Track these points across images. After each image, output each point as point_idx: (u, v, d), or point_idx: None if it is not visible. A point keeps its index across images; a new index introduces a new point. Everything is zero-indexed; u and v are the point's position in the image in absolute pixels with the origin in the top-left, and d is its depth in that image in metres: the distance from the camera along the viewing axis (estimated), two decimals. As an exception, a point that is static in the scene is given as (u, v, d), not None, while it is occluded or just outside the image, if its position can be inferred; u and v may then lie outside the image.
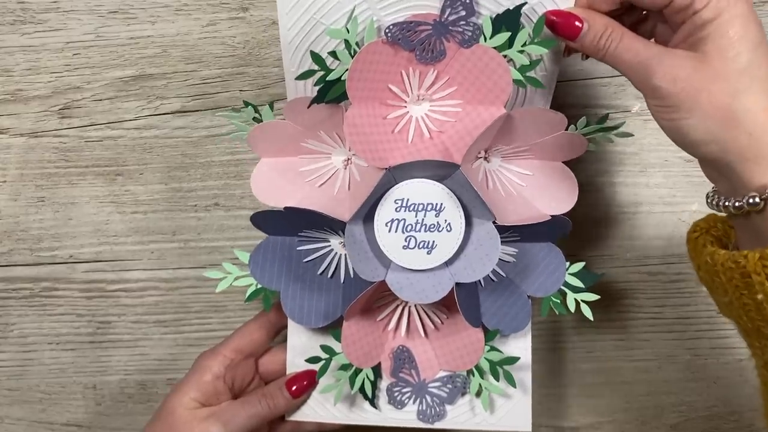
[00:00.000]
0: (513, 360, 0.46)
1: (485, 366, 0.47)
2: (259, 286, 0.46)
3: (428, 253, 0.43)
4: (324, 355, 0.47)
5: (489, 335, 0.47)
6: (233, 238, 0.57)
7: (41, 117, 0.56)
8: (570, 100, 0.55)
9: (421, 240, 0.43)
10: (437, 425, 0.48)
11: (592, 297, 0.47)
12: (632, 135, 0.45)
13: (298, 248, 0.47)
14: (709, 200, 0.37)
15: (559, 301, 0.47)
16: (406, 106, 0.42)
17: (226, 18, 0.55)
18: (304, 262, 0.47)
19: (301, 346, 0.48)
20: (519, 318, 0.46)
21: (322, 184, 0.46)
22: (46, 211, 0.57)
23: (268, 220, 0.45)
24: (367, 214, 0.43)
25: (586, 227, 0.55)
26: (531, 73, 0.40)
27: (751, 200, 0.34)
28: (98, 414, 0.58)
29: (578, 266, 0.47)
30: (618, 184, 0.55)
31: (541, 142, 0.44)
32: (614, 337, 0.56)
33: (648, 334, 0.56)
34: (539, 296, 0.47)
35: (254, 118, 0.45)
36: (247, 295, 0.46)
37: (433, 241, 0.42)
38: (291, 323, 0.48)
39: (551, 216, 0.44)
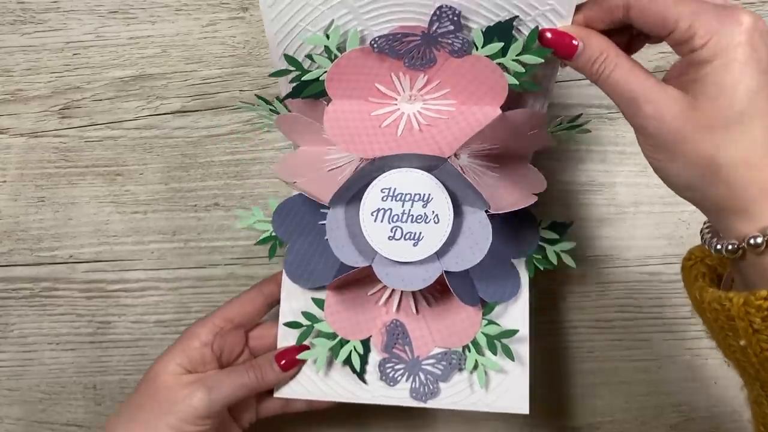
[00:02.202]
0: (511, 333, 0.45)
1: (482, 341, 0.46)
2: (273, 234, 0.47)
3: (414, 244, 0.42)
4: (305, 322, 0.46)
5: (487, 308, 0.46)
6: (233, 238, 0.57)
7: (41, 117, 0.56)
8: (570, 100, 0.55)
9: (407, 231, 0.42)
10: (430, 404, 0.46)
11: (570, 245, 0.47)
12: (590, 131, 0.45)
13: (321, 210, 0.46)
14: (701, 234, 0.36)
15: (541, 257, 0.47)
16: (396, 104, 0.42)
17: (226, 18, 0.55)
18: (318, 224, 0.46)
19: (292, 320, 0.47)
20: (509, 285, 0.46)
21: (332, 169, 0.45)
22: (46, 211, 0.57)
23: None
24: (355, 199, 0.43)
25: (586, 227, 0.55)
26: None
27: (730, 246, 0.33)
28: (98, 414, 0.58)
29: (546, 222, 0.47)
30: (618, 184, 0.55)
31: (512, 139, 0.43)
32: (614, 337, 0.56)
33: (648, 334, 0.56)
34: (522, 258, 0.46)
35: (271, 110, 0.44)
36: (259, 239, 0.47)
37: (420, 233, 0.42)
38: (284, 297, 0.48)
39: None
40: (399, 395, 0.46)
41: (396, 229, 0.42)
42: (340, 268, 0.46)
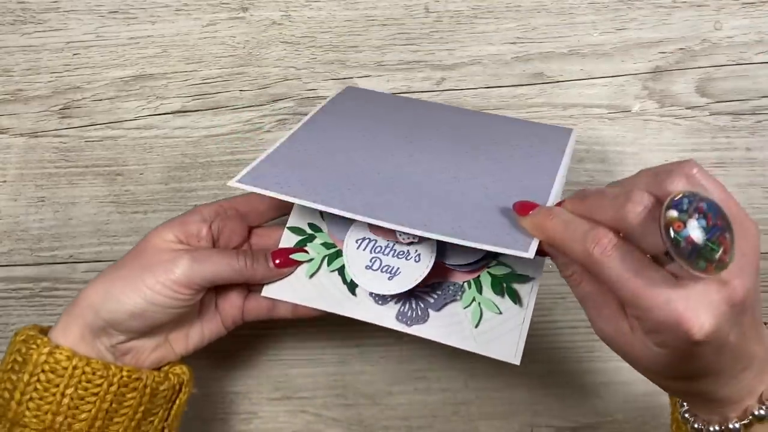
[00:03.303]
0: (522, 278, 0.42)
1: (486, 281, 0.43)
2: None
3: (389, 278, 0.41)
4: (308, 231, 0.46)
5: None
6: (233, 238, 0.57)
7: (41, 117, 0.56)
8: (570, 100, 0.55)
9: (385, 264, 0.42)
10: (414, 329, 0.43)
11: None
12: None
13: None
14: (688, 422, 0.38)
15: None
16: None
17: (226, 18, 0.55)
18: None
19: (297, 226, 0.47)
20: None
21: None
22: (46, 211, 0.57)
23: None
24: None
25: (586, 227, 0.55)
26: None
27: (712, 428, 0.35)
28: (98, 414, 0.58)
29: None
30: (618, 184, 0.55)
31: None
32: (614, 337, 0.56)
33: (648, 334, 0.56)
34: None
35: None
36: None
37: (398, 268, 0.41)
38: (296, 207, 0.47)
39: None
40: (386, 314, 0.44)
41: (375, 260, 0.42)
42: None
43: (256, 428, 0.56)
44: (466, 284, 0.43)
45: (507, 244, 0.37)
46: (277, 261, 0.45)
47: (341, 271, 0.44)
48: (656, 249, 0.31)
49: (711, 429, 0.35)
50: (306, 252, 0.46)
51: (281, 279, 0.46)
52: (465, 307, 0.43)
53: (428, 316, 0.43)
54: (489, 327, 0.43)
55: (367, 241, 0.42)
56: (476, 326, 0.43)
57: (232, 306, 0.48)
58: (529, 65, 0.54)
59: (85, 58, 0.56)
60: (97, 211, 0.57)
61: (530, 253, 0.37)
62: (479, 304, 0.43)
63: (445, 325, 0.43)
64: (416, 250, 0.41)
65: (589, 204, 0.35)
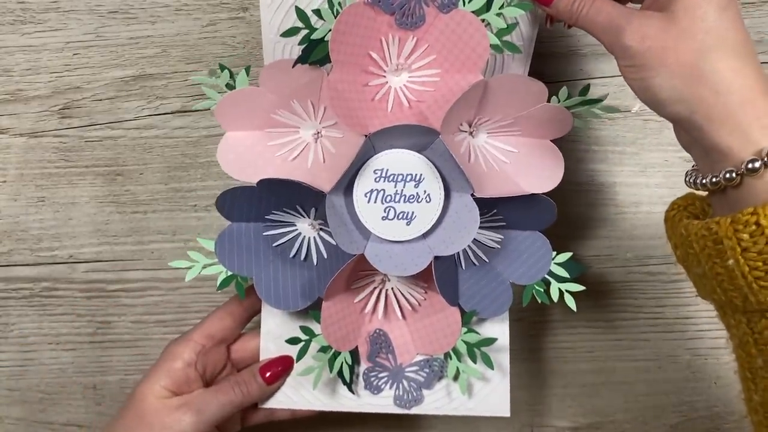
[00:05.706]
0: (490, 341, 0.46)
1: (462, 348, 0.46)
2: (230, 273, 0.45)
3: (407, 224, 0.43)
4: (304, 337, 0.46)
5: (466, 317, 0.46)
6: (233, 238, 0.57)
7: (41, 117, 0.56)
8: (570, 100, 0.55)
9: (400, 211, 0.43)
10: (414, 410, 0.47)
11: (577, 287, 0.46)
12: (618, 110, 0.44)
13: (264, 234, 0.46)
14: (687, 179, 0.37)
15: (542, 290, 0.46)
16: (385, 76, 0.42)
17: (226, 18, 0.55)
18: (273, 246, 0.46)
19: (275, 331, 0.48)
20: (498, 303, 0.46)
21: (294, 158, 0.45)
22: (46, 211, 0.57)
23: (235, 202, 0.44)
24: (346, 186, 0.43)
25: (586, 227, 0.55)
26: (508, 38, 0.41)
27: (728, 175, 0.34)
28: (98, 414, 0.58)
29: (565, 256, 0.46)
30: (618, 184, 0.55)
31: (526, 115, 0.43)
32: (614, 337, 0.56)
33: (648, 334, 0.56)
34: (522, 284, 0.46)
35: (227, 85, 0.43)
36: (219, 283, 0.45)
37: (413, 212, 0.43)
38: (265, 308, 0.48)
39: (532, 194, 0.44)
40: (383, 402, 0.47)
41: (389, 209, 0.43)
42: (319, 278, 0.46)
43: (256, 428, 0.56)
44: (447, 357, 0.47)
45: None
46: (267, 375, 0.46)
47: (340, 373, 0.46)
48: None
49: (704, 181, 0.35)
50: (291, 358, 0.47)
51: (277, 390, 0.48)
52: (453, 379, 0.47)
53: (423, 396, 0.47)
54: (477, 390, 0.48)
55: (376, 192, 0.43)
56: (468, 395, 0.47)
57: (233, 423, 0.49)
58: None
59: (85, 58, 0.56)
60: (97, 211, 0.57)
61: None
62: (464, 373, 0.46)
63: (440, 398, 0.47)
64: (425, 191, 0.43)
65: None
